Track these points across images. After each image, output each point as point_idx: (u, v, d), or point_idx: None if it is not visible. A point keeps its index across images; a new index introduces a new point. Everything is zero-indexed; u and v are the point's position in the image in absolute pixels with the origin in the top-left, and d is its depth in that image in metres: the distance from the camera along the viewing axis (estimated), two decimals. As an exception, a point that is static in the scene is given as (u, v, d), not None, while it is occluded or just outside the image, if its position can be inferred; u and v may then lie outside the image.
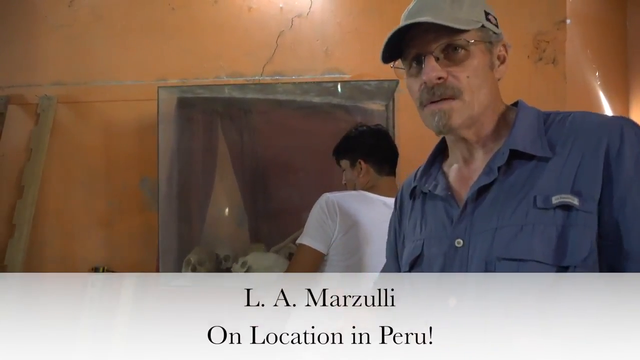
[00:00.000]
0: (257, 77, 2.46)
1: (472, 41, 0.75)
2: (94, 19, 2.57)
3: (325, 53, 2.44)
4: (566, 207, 0.68)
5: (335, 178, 2.36)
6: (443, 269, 0.78)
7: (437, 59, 0.75)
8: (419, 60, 0.78)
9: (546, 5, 2.30)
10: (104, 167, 2.55)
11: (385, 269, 1.04)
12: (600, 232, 0.68)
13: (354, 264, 1.52)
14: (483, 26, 0.77)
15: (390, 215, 1.56)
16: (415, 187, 0.91)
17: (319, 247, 1.51)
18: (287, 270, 1.56)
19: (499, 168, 0.75)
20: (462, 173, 0.83)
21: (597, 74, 2.45)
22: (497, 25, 0.79)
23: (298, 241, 1.55)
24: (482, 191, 0.76)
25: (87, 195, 2.55)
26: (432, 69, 0.75)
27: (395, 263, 0.98)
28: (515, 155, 0.75)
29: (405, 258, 0.88)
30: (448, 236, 0.78)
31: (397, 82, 2.15)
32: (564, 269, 0.67)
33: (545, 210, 0.69)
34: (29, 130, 2.57)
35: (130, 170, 2.52)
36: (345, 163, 1.71)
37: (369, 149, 1.65)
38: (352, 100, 2.44)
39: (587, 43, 2.41)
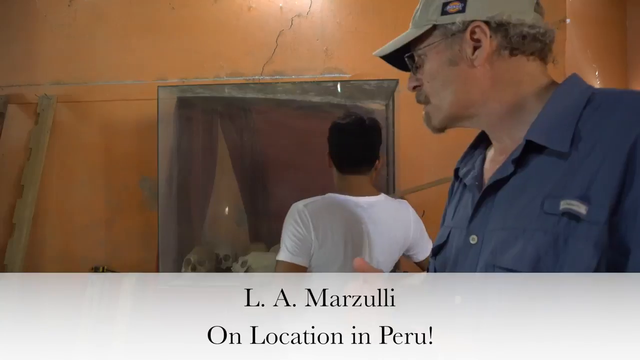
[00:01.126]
0: (256, 77, 2.46)
1: (418, 49, 0.77)
2: (93, 19, 2.57)
3: (325, 53, 2.44)
4: (571, 215, 0.58)
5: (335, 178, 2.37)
6: (455, 265, 0.74)
7: (415, 69, 0.80)
8: None
9: (545, 4, 2.29)
10: (103, 167, 2.55)
11: None
12: (613, 244, 0.57)
13: (337, 270, 1.46)
14: (435, 25, 0.74)
15: (361, 215, 1.50)
16: (457, 169, 0.86)
17: (299, 261, 1.44)
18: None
19: (516, 162, 0.67)
20: (495, 161, 0.76)
21: (596, 73, 2.45)
22: (462, 10, 0.71)
23: (277, 257, 1.47)
24: (500, 185, 0.69)
25: (87, 194, 2.55)
26: (408, 80, 0.82)
27: None
28: (534, 147, 0.66)
29: (434, 243, 0.85)
30: (466, 230, 0.73)
31: (396, 81, 2.15)
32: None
33: (551, 215, 0.60)
34: (28, 129, 2.57)
35: (130, 169, 2.52)
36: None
37: (330, 144, 1.58)
38: (352, 100, 2.44)
39: (586, 43, 2.41)
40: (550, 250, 0.59)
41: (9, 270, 2.45)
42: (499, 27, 0.70)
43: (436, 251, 0.82)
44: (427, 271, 0.96)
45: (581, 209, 0.58)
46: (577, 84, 0.70)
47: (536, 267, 0.60)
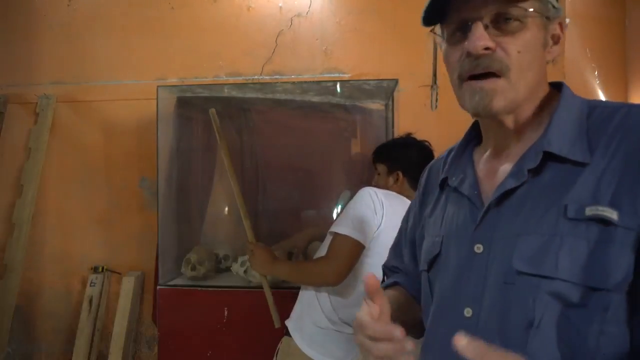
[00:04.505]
0: (256, 77, 2.46)
1: (530, 11, 0.65)
2: (92, 18, 2.57)
3: (324, 52, 2.44)
4: (602, 221, 0.58)
5: (335, 178, 2.36)
6: (460, 276, 0.69)
7: (485, 27, 0.65)
8: (464, 27, 0.67)
9: (545, 4, 2.29)
10: (103, 167, 2.55)
11: (389, 254, 0.97)
12: None
13: None
14: None
15: None
16: (445, 178, 0.80)
17: (360, 237, 1.43)
18: (326, 260, 1.46)
19: (529, 170, 0.65)
20: (493, 164, 0.73)
21: (596, 73, 2.45)
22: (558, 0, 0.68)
23: (335, 230, 1.46)
24: (509, 193, 0.67)
25: (87, 194, 2.55)
26: (480, 37, 0.64)
27: (400, 247, 0.92)
28: (550, 156, 0.65)
29: (424, 255, 0.80)
30: (468, 239, 0.69)
31: (396, 81, 2.15)
32: (593, 290, 0.58)
33: (577, 221, 0.59)
34: (28, 129, 2.57)
35: (130, 169, 2.52)
36: (382, 168, 1.65)
37: (410, 164, 1.61)
38: (351, 100, 2.44)
39: (586, 42, 2.41)
40: (585, 255, 0.58)
41: (8, 270, 2.46)
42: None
43: (431, 264, 0.77)
44: (403, 273, 0.92)
45: (613, 215, 0.58)
46: (573, 94, 0.71)
47: (571, 272, 0.59)
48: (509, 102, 0.67)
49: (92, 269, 2.49)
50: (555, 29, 0.69)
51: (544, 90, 0.72)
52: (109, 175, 2.55)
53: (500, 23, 0.65)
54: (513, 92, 0.66)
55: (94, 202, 2.55)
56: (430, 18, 0.70)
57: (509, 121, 0.70)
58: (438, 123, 2.30)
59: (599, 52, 2.46)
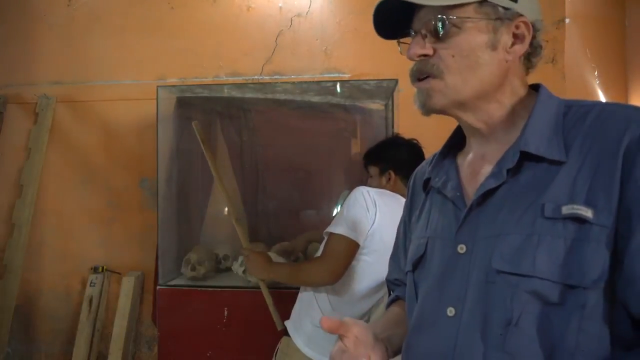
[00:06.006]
0: (256, 77, 2.46)
1: (455, 17, 0.68)
2: (92, 19, 2.57)
3: (324, 52, 2.44)
4: (578, 220, 0.60)
5: (335, 178, 2.36)
6: (443, 276, 0.71)
7: (425, 36, 0.71)
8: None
9: (545, 4, 2.28)
10: (103, 167, 2.55)
11: (389, 265, 0.98)
12: (616, 249, 0.59)
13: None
14: (485, 0, 0.68)
15: None
16: (428, 179, 0.82)
17: (355, 236, 1.45)
18: (322, 260, 1.48)
19: (508, 170, 0.67)
20: (474, 167, 0.75)
21: (595, 73, 2.45)
22: (515, 0, 0.69)
23: (330, 230, 1.47)
24: (489, 193, 0.68)
25: (86, 194, 2.55)
26: (413, 46, 0.71)
27: (398, 257, 0.93)
28: (527, 156, 0.66)
29: (409, 256, 0.81)
30: (452, 240, 0.71)
31: (396, 81, 2.15)
32: (570, 287, 0.59)
33: (554, 220, 0.61)
34: (27, 129, 2.57)
35: (130, 169, 2.52)
36: (374, 170, 1.67)
37: (401, 163, 1.62)
38: (351, 100, 2.44)
39: (586, 42, 2.42)
40: (562, 254, 0.60)
41: (8, 270, 2.45)
42: (535, 32, 0.71)
43: (416, 264, 0.78)
44: (405, 286, 0.91)
45: (588, 213, 0.59)
46: (550, 94, 0.72)
47: (549, 271, 0.60)
48: (450, 100, 0.70)
49: (92, 269, 2.49)
50: (516, 28, 0.70)
51: (516, 91, 0.72)
52: (109, 175, 2.55)
53: (437, 31, 0.69)
54: (453, 92, 0.70)
55: (94, 202, 2.55)
56: (389, 33, 0.77)
57: (475, 121, 0.73)
58: (438, 123, 2.29)
59: (599, 52, 2.46)
